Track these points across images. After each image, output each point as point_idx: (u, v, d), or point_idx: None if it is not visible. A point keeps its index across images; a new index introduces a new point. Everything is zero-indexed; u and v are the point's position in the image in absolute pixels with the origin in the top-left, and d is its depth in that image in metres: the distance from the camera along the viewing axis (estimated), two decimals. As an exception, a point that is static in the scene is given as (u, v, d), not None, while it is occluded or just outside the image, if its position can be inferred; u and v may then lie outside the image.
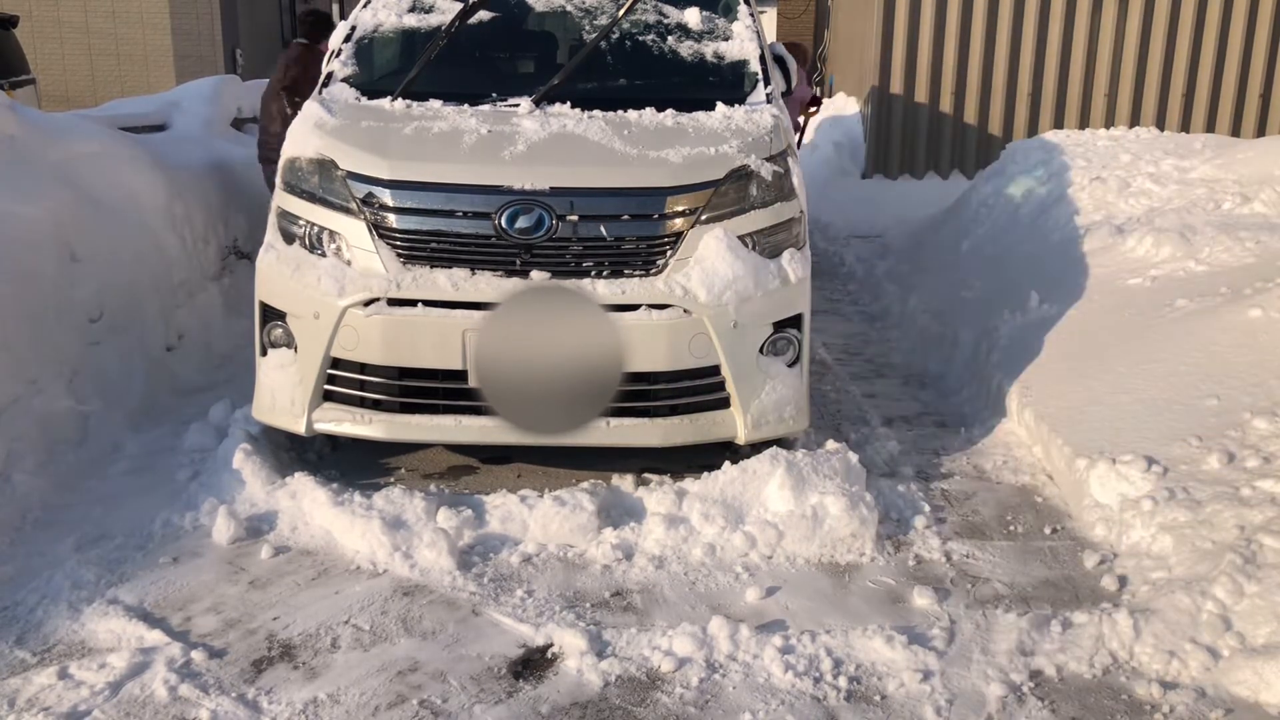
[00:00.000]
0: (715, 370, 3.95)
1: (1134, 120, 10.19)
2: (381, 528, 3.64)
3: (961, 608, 3.33)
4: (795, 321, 4.08)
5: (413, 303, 3.84)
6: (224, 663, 3.03)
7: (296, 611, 3.29)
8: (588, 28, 4.80)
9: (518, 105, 4.29)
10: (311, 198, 4.03)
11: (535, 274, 3.88)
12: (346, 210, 3.95)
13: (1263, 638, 2.93)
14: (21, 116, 5.18)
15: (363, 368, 3.93)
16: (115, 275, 4.98)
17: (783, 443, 4.11)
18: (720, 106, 4.35)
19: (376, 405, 3.97)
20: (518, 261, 3.88)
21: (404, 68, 4.62)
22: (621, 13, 4.56)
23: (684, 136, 4.11)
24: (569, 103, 4.29)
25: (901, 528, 3.85)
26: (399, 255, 3.89)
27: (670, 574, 3.52)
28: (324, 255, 3.98)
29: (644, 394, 3.96)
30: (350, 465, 4.28)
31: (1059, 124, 10.24)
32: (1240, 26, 10.22)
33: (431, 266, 3.88)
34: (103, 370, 4.65)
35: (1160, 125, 10.11)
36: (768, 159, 4.10)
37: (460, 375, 3.88)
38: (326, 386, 3.98)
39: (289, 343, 4.03)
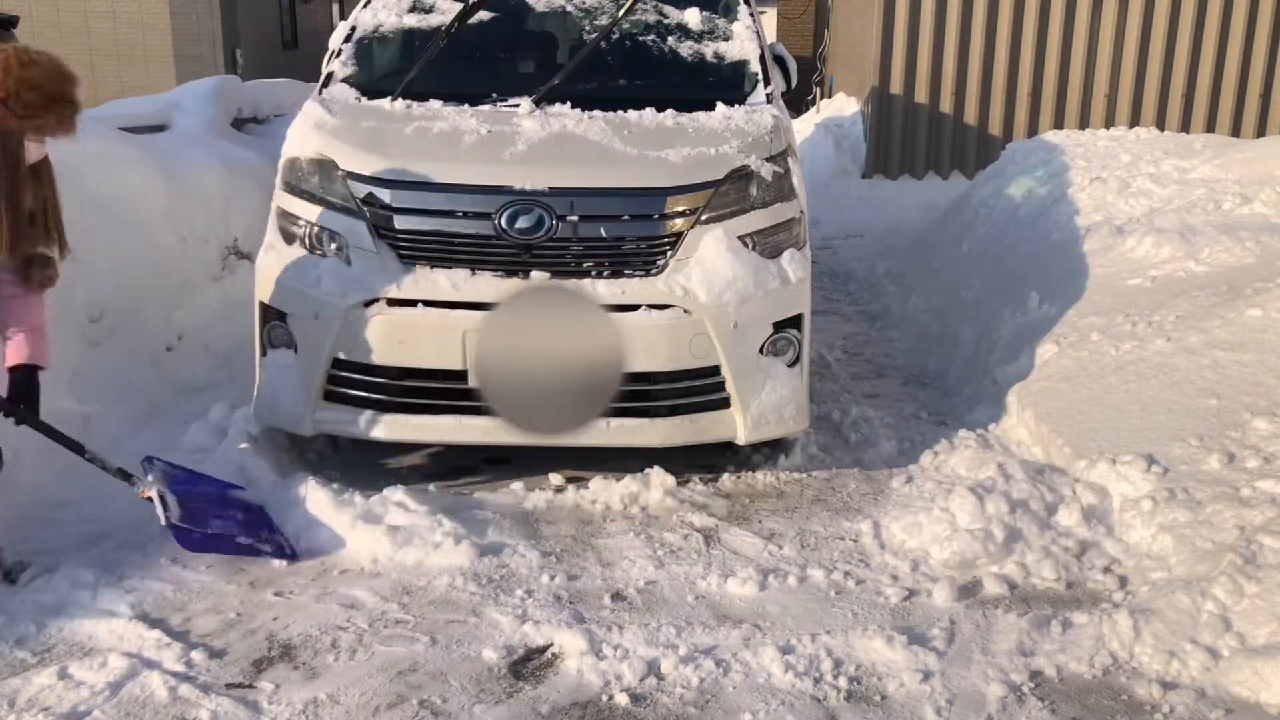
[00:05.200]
0: (715, 370, 3.95)
1: (1134, 120, 10.18)
2: (381, 528, 3.64)
3: (961, 608, 3.34)
4: (795, 321, 4.08)
5: (413, 303, 3.85)
6: (224, 663, 3.03)
7: (296, 611, 3.29)
8: (588, 28, 4.80)
9: (518, 105, 4.29)
10: (312, 198, 4.03)
11: (535, 274, 3.88)
12: (347, 210, 3.95)
13: (1263, 638, 2.93)
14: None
15: (363, 368, 3.93)
16: (116, 275, 4.98)
17: (781, 443, 4.11)
18: (720, 107, 4.35)
19: (377, 405, 3.97)
20: (518, 262, 3.88)
21: (404, 68, 4.62)
22: (622, 13, 4.56)
23: (684, 137, 4.11)
24: (569, 103, 4.29)
25: (901, 528, 3.84)
26: (399, 255, 3.89)
27: (670, 574, 3.52)
28: (324, 255, 3.98)
29: (644, 394, 3.96)
30: (351, 465, 4.28)
31: (1059, 124, 10.24)
32: (1240, 26, 10.22)
33: (432, 266, 3.89)
34: (103, 370, 4.65)
35: (1160, 125, 10.10)
36: (768, 159, 4.10)
37: (461, 375, 3.88)
38: (327, 387, 3.98)
39: (289, 343, 4.03)
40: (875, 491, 4.16)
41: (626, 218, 3.92)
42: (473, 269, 3.89)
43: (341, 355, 3.92)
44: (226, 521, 3.58)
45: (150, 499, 3.47)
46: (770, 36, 7.57)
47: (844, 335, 6.43)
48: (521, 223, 3.85)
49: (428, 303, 3.85)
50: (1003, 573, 3.50)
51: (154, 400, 4.86)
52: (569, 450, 4.18)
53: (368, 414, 3.96)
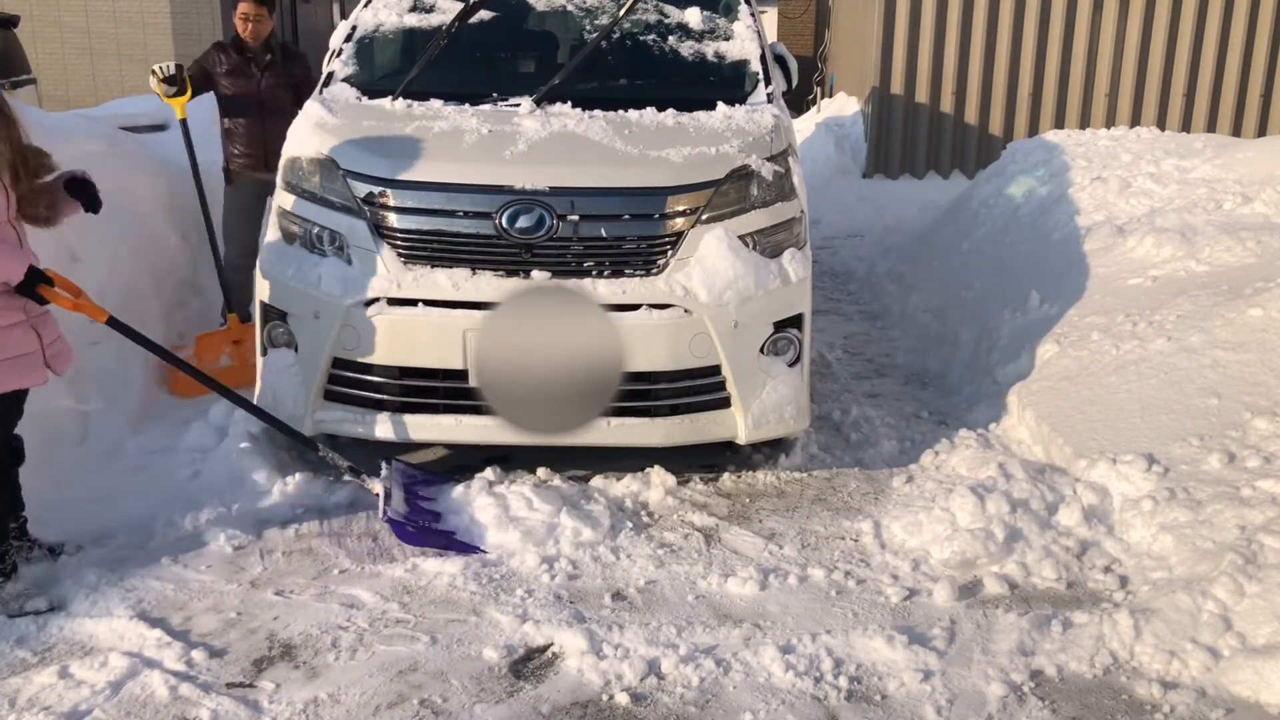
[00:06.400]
0: (716, 370, 3.95)
1: (1135, 120, 10.18)
2: (382, 527, 3.65)
3: (962, 607, 3.33)
4: (796, 321, 4.08)
5: (413, 302, 3.85)
6: (225, 662, 3.03)
7: (297, 611, 3.29)
8: (588, 27, 4.80)
9: (518, 105, 4.29)
10: (312, 197, 4.03)
11: (536, 274, 3.88)
12: (347, 210, 3.96)
13: (1263, 637, 2.92)
14: (23, 117, 5.16)
15: (364, 367, 3.93)
16: (116, 275, 4.98)
17: (781, 442, 4.11)
18: (721, 106, 4.35)
19: (377, 405, 3.97)
20: (518, 261, 3.88)
21: (405, 67, 4.62)
22: (622, 12, 4.56)
23: (684, 136, 4.11)
24: (569, 102, 4.29)
25: (902, 527, 3.84)
26: (400, 255, 3.89)
27: (670, 573, 3.52)
28: (325, 255, 3.98)
29: (644, 394, 3.96)
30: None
31: (1060, 124, 10.23)
32: (1241, 26, 10.21)
33: (432, 266, 3.88)
34: (103, 370, 4.65)
35: (1161, 125, 10.09)
36: (768, 159, 4.10)
37: (461, 375, 3.88)
38: (327, 386, 3.99)
39: (290, 342, 4.03)
40: (876, 491, 4.16)
41: (627, 217, 3.92)
42: (473, 268, 3.88)
43: (341, 355, 3.92)
44: (439, 518, 3.79)
45: (378, 494, 3.72)
46: (771, 36, 7.57)
47: (844, 335, 6.43)
48: (522, 222, 3.85)
49: (428, 302, 3.85)
50: (1003, 572, 3.50)
51: (154, 400, 4.86)
52: (569, 450, 4.18)
53: (368, 414, 3.97)
